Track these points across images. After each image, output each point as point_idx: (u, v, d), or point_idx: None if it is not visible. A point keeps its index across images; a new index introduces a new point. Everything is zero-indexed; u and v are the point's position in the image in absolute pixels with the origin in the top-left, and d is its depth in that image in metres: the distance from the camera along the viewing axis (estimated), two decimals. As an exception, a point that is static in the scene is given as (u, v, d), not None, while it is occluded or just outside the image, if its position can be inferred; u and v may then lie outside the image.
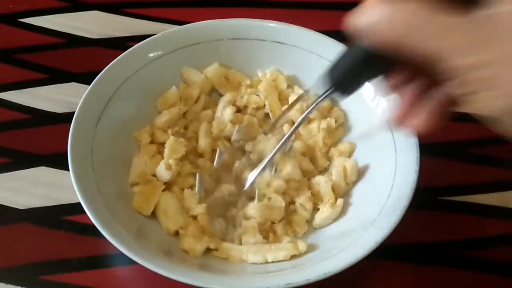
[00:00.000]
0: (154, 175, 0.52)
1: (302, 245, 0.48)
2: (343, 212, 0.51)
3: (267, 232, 0.51)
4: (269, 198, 0.52)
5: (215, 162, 0.53)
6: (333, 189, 0.52)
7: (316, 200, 0.53)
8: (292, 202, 0.53)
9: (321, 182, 0.53)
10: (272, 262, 0.48)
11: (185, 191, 0.51)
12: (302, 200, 0.52)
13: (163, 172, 0.51)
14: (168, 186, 0.52)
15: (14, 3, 0.73)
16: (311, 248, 0.49)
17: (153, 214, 0.51)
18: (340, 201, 0.51)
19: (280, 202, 0.51)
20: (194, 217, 0.50)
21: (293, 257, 0.48)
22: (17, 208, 0.54)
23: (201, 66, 0.59)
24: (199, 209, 0.50)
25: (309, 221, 0.52)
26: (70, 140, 0.48)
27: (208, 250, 0.49)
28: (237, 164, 0.53)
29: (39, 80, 0.64)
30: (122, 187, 0.51)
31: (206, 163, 0.54)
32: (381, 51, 0.34)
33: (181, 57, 0.58)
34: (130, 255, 0.42)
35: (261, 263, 0.48)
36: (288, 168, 0.53)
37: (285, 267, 0.47)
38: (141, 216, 0.50)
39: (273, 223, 0.52)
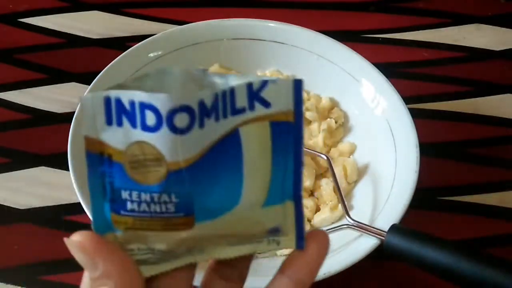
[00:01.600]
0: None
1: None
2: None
3: None
4: None
5: None
6: (335, 191, 0.52)
7: (319, 202, 0.53)
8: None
9: (323, 184, 0.53)
10: (280, 255, 0.48)
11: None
12: (305, 201, 0.52)
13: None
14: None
15: (14, 3, 0.73)
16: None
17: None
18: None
19: None
20: None
21: None
22: (17, 208, 0.54)
23: (201, 66, 0.59)
24: None
25: (311, 220, 0.52)
26: (70, 140, 0.48)
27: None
28: None
29: (39, 80, 0.64)
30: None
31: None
32: None
33: (181, 57, 0.58)
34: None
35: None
36: None
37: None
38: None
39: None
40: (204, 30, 0.59)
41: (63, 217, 0.53)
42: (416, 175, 0.48)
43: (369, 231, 0.44)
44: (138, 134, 0.24)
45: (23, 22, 0.71)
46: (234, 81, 0.24)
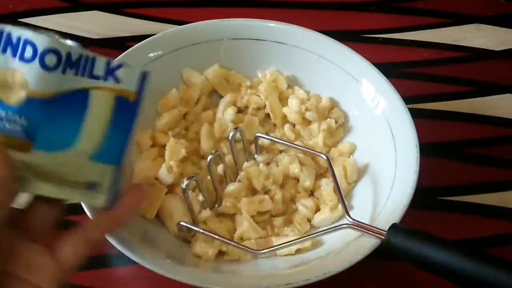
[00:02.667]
0: (157, 179, 0.52)
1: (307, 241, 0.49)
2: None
3: (265, 224, 0.51)
4: (268, 191, 0.52)
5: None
6: (335, 191, 0.52)
7: (319, 202, 0.53)
8: (293, 202, 0.53)
9: (323, 184, 0.53)
10: (280, 255, 0.49)
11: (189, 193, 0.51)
12: (305, 201, 0.52)
13: (165, 175, 0.51)
14: (171, 188, 0.52)
15: (14, 3, 0.73)
16: (316, 244, 0.49)
17: (159, 220, 0.51)
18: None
19: (278, 194, 0.52)
20: (203, 221, 0.50)
21: (298, 251, 0.49)
22: (17, 208, 0.54)
23: (201, 66, 0.59)
24: (205, 214, 0.50)
25: (311, 220, 0.52)
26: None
27: (220, 253, 0.49)
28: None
29: (39, 80, 0.64)
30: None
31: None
32: None
33: (181, 57, 0.58)
34: (129, 255, 0.42)
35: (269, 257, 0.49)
36: (285, 161, 0.53)
37: (288, 266, 0.47)
38: (146, 221, 0.50)
39: (272, 216, 0.52)
40: (204, 30, 0.59)
41: (63, 217, 0.53)
42: (416, 175, 0.48)
43: (369, 231, 0.44)
44: (15, 63, 0.31)
45: (23, 22, 0.71)
46: (99, 55, 0.33)
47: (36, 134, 0.32)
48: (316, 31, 0.59)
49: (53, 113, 0.32)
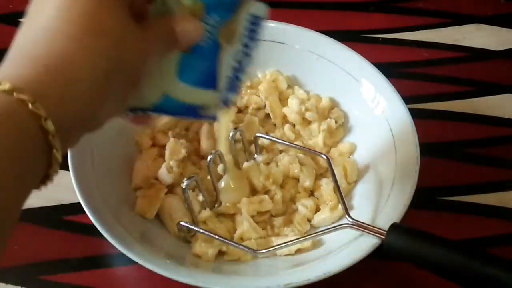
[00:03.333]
0: (157, 179, 0.52)
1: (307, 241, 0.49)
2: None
3: (265, 224, 0.51)
4: (268, 191, 0.52)
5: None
6: (335, 191, 0.52)
7: (319, 202, 0.53)
8: (293, 202, 0.53)
9: (323, 184, 0.53)
10: (280, 255, 0.49)
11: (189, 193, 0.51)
12: (305, 201, 0.52)
13: (165, 175, 0.51)
14: (171, 188, 0.52)
15: (14, 3, 0.73)
16: (316, 244, 0.49)
17: (159, 220, 0.51)
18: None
19: (278, 194, 0.52)
20: (203, 221, 0.50)
21: (298, 251, 0.49)
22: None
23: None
24: (205, 214, 0.50)
25: (311, 220, 0.52)
26: (70, 140, 0.48)
27: (220, 253, 0.49)
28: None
29: (39, 80, 0.64)
30: (123, 190, 0.51)
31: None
32: None
33: (181, 57, 0.58)
34: (129, 255, 0.42)
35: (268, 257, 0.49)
36: (285, 161, 0.53)
37: (288, 266, 0.47)
38: (146, 221, 0.50)
39: (272, 216, 0.52)
40: (204, 30, 0.59)
41: (63, 217, 0.53)
42: (416, 175, 0.48)
43: (369, 230, 0.44)
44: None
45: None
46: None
47: (194, 51, 0.35)
48: (316, 31, 0.59)
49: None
